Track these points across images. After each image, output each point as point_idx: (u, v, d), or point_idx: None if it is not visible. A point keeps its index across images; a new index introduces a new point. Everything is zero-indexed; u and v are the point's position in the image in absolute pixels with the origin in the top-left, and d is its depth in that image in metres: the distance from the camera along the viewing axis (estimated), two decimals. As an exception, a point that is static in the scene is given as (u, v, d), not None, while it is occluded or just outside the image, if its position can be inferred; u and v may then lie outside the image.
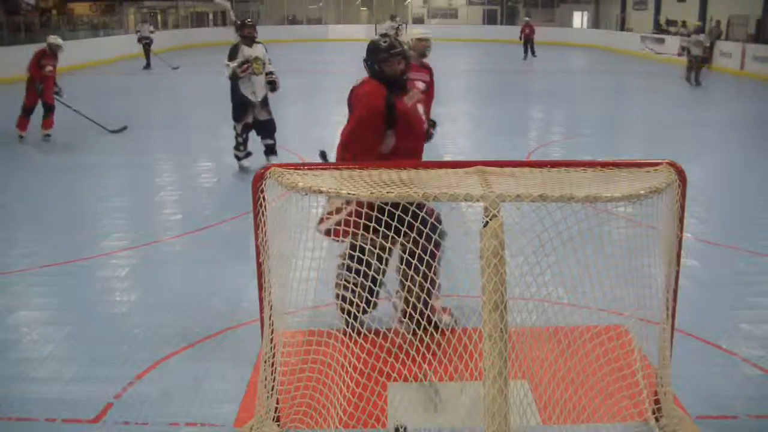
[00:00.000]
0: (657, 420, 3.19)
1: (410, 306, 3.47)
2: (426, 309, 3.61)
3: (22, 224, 6.66)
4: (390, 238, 3.37)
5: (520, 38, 26.07)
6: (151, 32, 22.21)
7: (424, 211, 3.21)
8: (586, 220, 2.86)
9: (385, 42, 4.00)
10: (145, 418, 3.40)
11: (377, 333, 3.56)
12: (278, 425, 3.22)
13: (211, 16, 39.25)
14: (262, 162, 7.94)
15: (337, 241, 3.87)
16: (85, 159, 9.49)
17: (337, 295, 3.99)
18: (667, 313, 3.10)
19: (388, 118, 3.89)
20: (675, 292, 3.08)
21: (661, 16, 29.92)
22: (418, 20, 39.02)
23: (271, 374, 3.09)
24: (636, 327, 3.26)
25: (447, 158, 8.64)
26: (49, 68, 10.27)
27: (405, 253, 3.29)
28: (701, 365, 3.86)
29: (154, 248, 5.90)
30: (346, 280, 3.87)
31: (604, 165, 2.99)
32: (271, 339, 3.06)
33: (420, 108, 4.18)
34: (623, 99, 16.99)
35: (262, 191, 2.94)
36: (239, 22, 8.22)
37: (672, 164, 2.99)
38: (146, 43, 21.83)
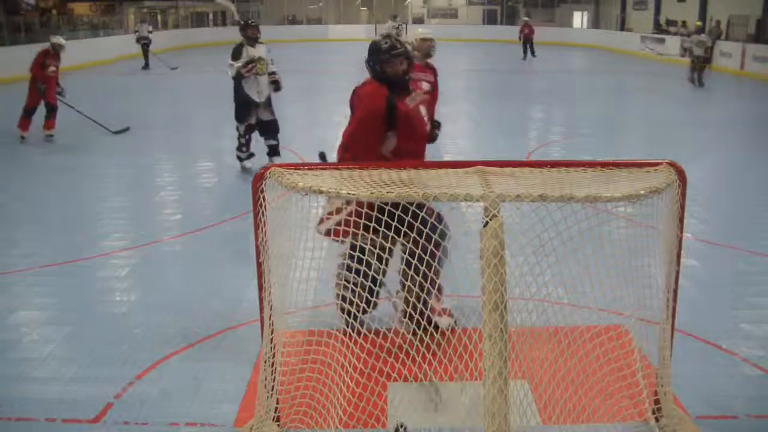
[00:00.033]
0: (657, 420, 3.19)
1: (410, 306, 3.47)
2: (426, 309, 3.62)
3: (22, 224, 6.66)
4: (390, 238, 3.37)
5: (520, 38, 26.07)
6: (150, 32, 22.16)
7: (424, 211, 3.21)
8: (586, 220, 2.86)
9: (386, 43, 3.99)
10: (145, 418, 3.40)
11: (377, 333, 3.56)
12: (278, 425, 3.22)
13: (211, 16, 39.25)
14: (265, 163, 7.94)
15: (337, 241, 3.87)
16: (85, 159, 9.49)
17: (338, 295, 3.99)
18: (667, 313, 3.10)
19: (389, 119, 3.88)
20: (675, 292, 3.08)
21: (661, 16, 29.92)
22: (418, 20, 39.01)
23: (271, 374, 3.09)
24: (636, 327, 3.26)
25: (447, 158, 8.64)
26: (52, 68, 10.24)
27: (405, 253, 3.29)
28: (701, 365, 3.86)
29: (154, 248, 5.90)
30: (346, 280, 3.87)
31: (604, 165, 2.99)
32: (271, 339, 3.06)
33: (423, 110, 4.17)
34: (623, 99, 16.99)
35: (262, 191, 2.94)
36: (243, 23, 8.20)
37: (672, 164, 2.99)
38: (144, 44, 21.78)
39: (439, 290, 4.14)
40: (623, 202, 2.73)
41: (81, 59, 20.96)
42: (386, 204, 2.89)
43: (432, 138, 4.99)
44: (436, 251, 3.32)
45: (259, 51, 7.91)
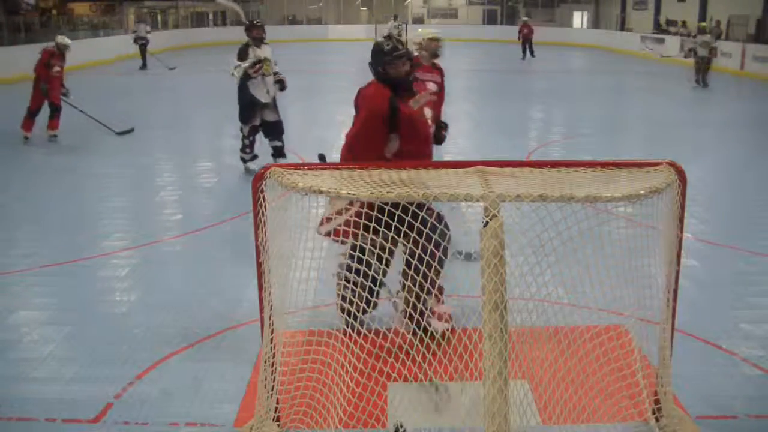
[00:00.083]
0: (657, 420, 3.19)
1: (410, 306, 3.47)
2: (426, 309, 3.61)
3: (23, 224, 6.66)
4: (390, 238, 3.37)
5: (519, 38, 26.08)
6: (148, 32, 22.10)
7: (424, 211, 3.22)
8: (586, 220, 2.86)
9: (388, 44, 4.01)
10: (145, 418, 3.40)
11: (377, 333, 3.56)
12: (278, 425, 3.22)
13: (211, 16, 39.24)
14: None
15: (337, 241, 3.87)
16: (86, 159, 9.49)
17: (338, 295, 3.99)
18: (667, 313, 3.10)
19: (392, 121, 3.89)
20: (675, 292, 3.08)
21: (661, 16, 29.92)
22: (418, 20, 39.00)
23: (271, 374, 3.09)
24: (636, 327, 3.26)
25: (447, 158, 8.64)
26: (57, 68, 10.19)
27: (405, 254, 3.30)
28: (701, 365, 3.86)
29: (154, 248, 5.90)
30: (346, 280, 3.87)
31: (604, 165, 2.99)
32: (271, 339, 3.06)
33: (427, 112, 4.17)
34: (623, 99, 16.99)
35: (262, 191, 2.94)
36: (248, 23, 8.16)
37: (672, 164, 2.99)
38: (142, 44, 21.71)
39: (440, 291, 4.13)
40: (623, 202, 2.73)
41: (81, 59, 20.95)
42: (386, 204, 2.89)
43: (439, 140, 4.97)
44: (436, 251, 3.32)
45: (264, 51, 7.89)
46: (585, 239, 2.88)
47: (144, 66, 21.78)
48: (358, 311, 3.68)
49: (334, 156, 4.11)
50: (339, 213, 3.65)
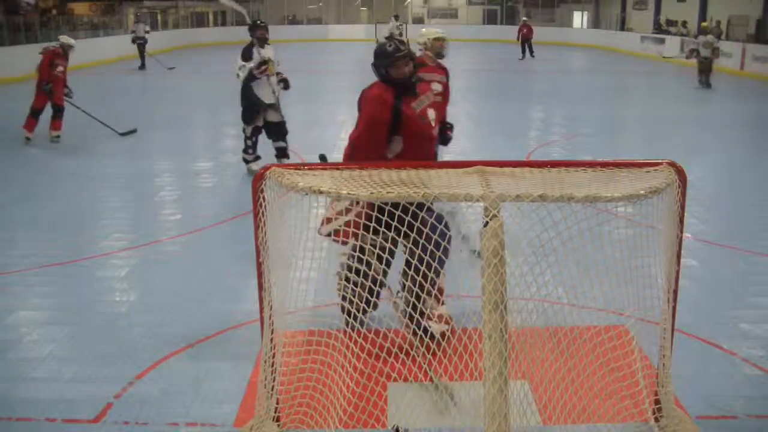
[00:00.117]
0: (657, 420, 3.19)
1: (410, 306, 3.47)
2: (426, 309, 3.61)
3: (22, 224, 6.66)
4: (390, 238, 3.37)
5: (518, 38, 26.08)
6: (147, 32, 22.06)
7: (424, 211, 3.21)
8: (586, 220, 2.86)
9: (390, 46, 4.02)
10: (145, 418, 3.40)
11: (377, 333, 3.55)
12: (278, 425, 3.22)
13: (211, 17, 39.22)
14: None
15: (337, 241, 3.87)
16: (85, 159, 9.48)
17: (339, 295, 3.99)
18: (667, 313, 3.09)
19: (394, 123, 3.90)
20: (675, 292, 3.08)
21: (661, 16, 29.92)
22: (418, 20, 39.00)
23: (271, 374, 3.09)
24: (636, 327, 3.25)
25: (447, 158, 8.63)
26: (61, 68, 10.17)
27: (405, 254, 3.29)
28: (701, 365, 3.86)
29: (154, 248, 5.90)
30: (346, 280, 3.87)
31: (604, 165, 2.98)
32: (271, 339, 3.06)
33: (431, 113, 4.17)
34: (623, 99, 17.00)
35: (262, 191, 2.94)
36: (252, 24, 8.08)
37: (672, 164, 2.98)
38: (140, 44, 21.69)
39: (440, 291, 4.12)
40: (623, 202, 2.72)
41: (81, 59, 20.93)
42: (386, 204, 2.89)
43: (445, 140, 4.96)
44: (436, 251, 3.32)
45: (268, 52, 7.86)
46: (585, 239, 2.87)
47: (143, 66, 21.77)
48: (359, 311, 3.68)
49: (335, 156, 4.11)
50: (341, 214, 3.65)
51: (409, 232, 3.03)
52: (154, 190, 7.94)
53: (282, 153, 8.22)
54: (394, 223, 2.94)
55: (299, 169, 2.99)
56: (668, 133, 11.42)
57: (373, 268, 3.57)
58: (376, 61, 4.04)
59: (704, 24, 19.99)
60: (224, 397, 3.57)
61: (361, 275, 3.65)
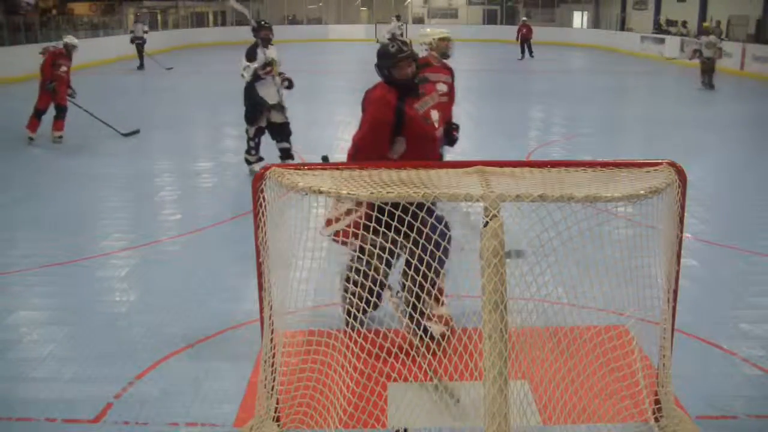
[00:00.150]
0: (657, 420, 3.19)
1: (410, 306, 3.47)
2: (426, 309, 3.61)
3: (23, 224, 6.66)
4: (390, 238, 3.37)
5: (517, 38, 26.08)
6: (145, 32, 22.05)
7: (424, 211, 3.21)
8: (586, 220, 2.86)
9: (393, 47, 4.02)
10: (145, 418, 3.40)
11: (377, 333, 3.55)
12: (278, 425, 3.22)
13: (211, 17, 39.22)
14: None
15: (338, 242, 3.87)
16: (86, 159, 9.48)
17: (341, 295, 3.99)
18: (667, 313, 3.09)
19: (397, 124, 3.90)
20: (675, 292, 3.08)
21: (661, 16, 29.92)
22: (418, 20, 39.00)
23: (271, 374, 3.09)
24: (636, 327, 3.25)
25: (447, 158, 8.63)
26: (64, 68, 10.15)
27: (405, 254, 3.29)
28: (701, 365, 3.86)
29: (154, 248, 5.90)
30: (347, 280, 3.87)
31: (604, 165, 2.98)
32: (271, 339, 3.06)
33: (434, 114, 4.17)
34: (623, 99, 17.00)
35: (262, 191, 2.94)
36: (257, 24, 8.05)
37: (672, 164, 2.98)
38: (139, 44, 21.68)
39: (440, 292, 4.12)
40: (623, 202, 2.72)
41: (81, 59, 20.91)
42: (386, 204, 2.89)
43: (451, 141, 4.94)
44: (436, 251, 3.32)
45: (271, 52, 7.84)
46: (585, 239, 2.87)
47: (141, 66, 21.76)
48: (359, 311, 3.68)
49: (336, 157, 4.11)
50: (344, 215, 3.65)
51: (409, 232, 3.03)
52: (154, 190, 7.94)
53: (286, 154, 8.16)
54: (394, 223, 2.94)
55: (299, 169, 2.99)
56: (668, 133, 11.42)
57: (373, 268, 3.57)
58: (379, 62, 4.04)
59: (706, 24, 19.94)
60: (224, 397, 3.58)
61: (361, 275, 3.65)
